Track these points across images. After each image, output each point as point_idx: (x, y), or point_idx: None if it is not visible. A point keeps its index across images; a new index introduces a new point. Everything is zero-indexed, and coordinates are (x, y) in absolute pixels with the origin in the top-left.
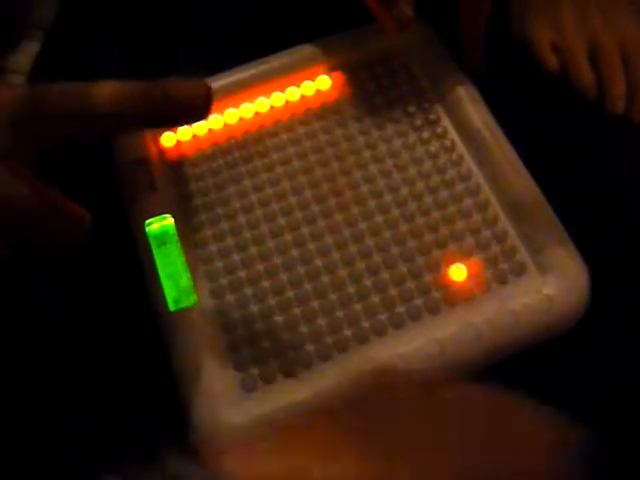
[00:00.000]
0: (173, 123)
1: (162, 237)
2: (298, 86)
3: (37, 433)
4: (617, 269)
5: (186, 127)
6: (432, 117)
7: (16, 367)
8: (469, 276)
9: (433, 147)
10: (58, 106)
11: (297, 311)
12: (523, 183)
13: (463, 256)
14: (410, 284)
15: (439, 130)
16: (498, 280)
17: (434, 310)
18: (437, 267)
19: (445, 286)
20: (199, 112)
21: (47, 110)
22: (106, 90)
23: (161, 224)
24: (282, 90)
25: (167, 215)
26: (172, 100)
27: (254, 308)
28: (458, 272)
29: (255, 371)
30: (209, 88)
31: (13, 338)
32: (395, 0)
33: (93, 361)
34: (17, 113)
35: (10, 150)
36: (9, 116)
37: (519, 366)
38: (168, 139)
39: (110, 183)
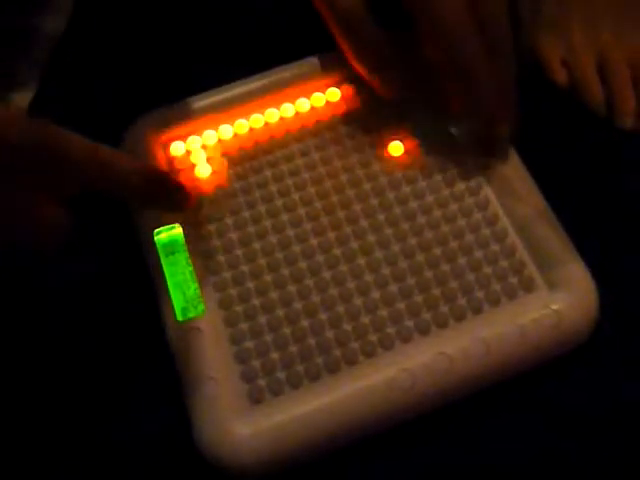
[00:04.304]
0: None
1: (171, 246)
2: (308, 98)
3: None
4: (626, 285)
5: (196, 136)
6: None
7: (20, 375)
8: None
9: None
10: (70, 160)
11: (305, 323)
12: (532, 198)
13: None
14: (417, 298)
15: None
16: (507, 295)
17: (442, 324)
18: (445, 281)
19: (452, 298)
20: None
21: (65, 159)
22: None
23: (170, 233)
24: (292, 101)
25: (176, 224)
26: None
27: (262, 319)
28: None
29: (262, 382)
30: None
31: (20, 344)
32: (382, 67)
33: (99, 370)
34: (35, 155)
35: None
36: (26, 154)
37: (530, 382)
38: (177, 148)
39: None
